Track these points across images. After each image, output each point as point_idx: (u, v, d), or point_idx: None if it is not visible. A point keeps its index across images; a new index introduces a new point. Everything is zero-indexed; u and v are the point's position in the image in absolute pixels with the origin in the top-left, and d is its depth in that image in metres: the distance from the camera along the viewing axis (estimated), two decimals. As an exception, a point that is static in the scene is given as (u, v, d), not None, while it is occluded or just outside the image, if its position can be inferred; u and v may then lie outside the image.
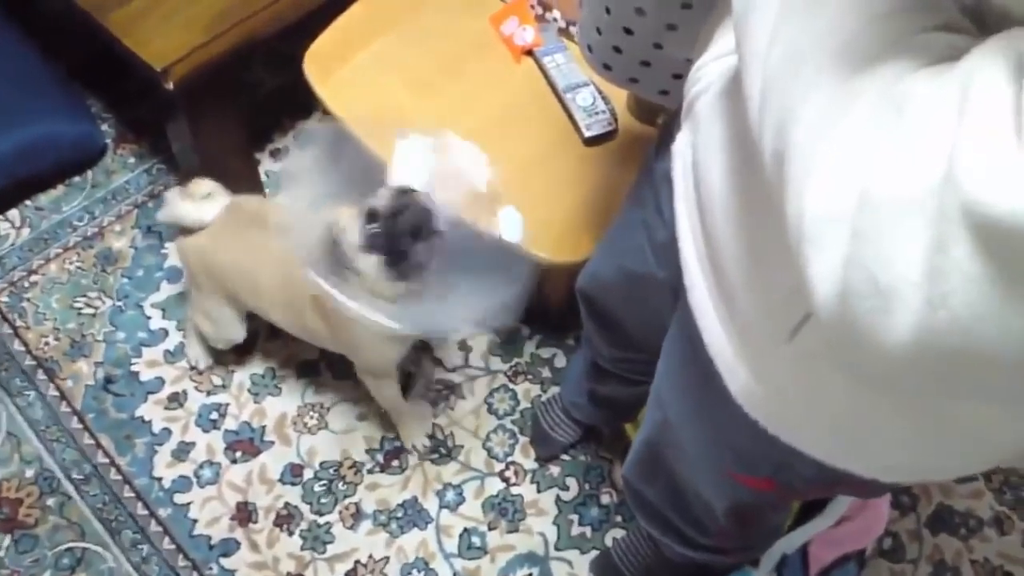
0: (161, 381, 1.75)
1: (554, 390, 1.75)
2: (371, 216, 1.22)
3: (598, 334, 1.31)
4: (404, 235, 1.20)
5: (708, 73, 0.79)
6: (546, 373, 1.78)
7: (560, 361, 1.79)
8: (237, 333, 1.65)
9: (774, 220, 0.61)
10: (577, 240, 1.50)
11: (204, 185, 1.58)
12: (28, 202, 1.96)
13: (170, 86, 1.58)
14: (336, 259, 1.24)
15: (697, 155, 0.76)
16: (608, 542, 1.60)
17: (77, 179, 2.00)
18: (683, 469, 0.98)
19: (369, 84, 1.66)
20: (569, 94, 1.61)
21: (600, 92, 1.62)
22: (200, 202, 1.55)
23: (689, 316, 0.77)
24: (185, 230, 1.57)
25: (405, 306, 1.27)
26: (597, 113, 1.59)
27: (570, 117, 1.60)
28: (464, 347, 1.80)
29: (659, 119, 1.59)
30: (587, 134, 1.57)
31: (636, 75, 1.03)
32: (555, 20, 1.70)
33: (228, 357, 1.77)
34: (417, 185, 1.28)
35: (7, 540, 1.60)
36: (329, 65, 1.66)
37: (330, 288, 1.21)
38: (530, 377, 1.77)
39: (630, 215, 1.07)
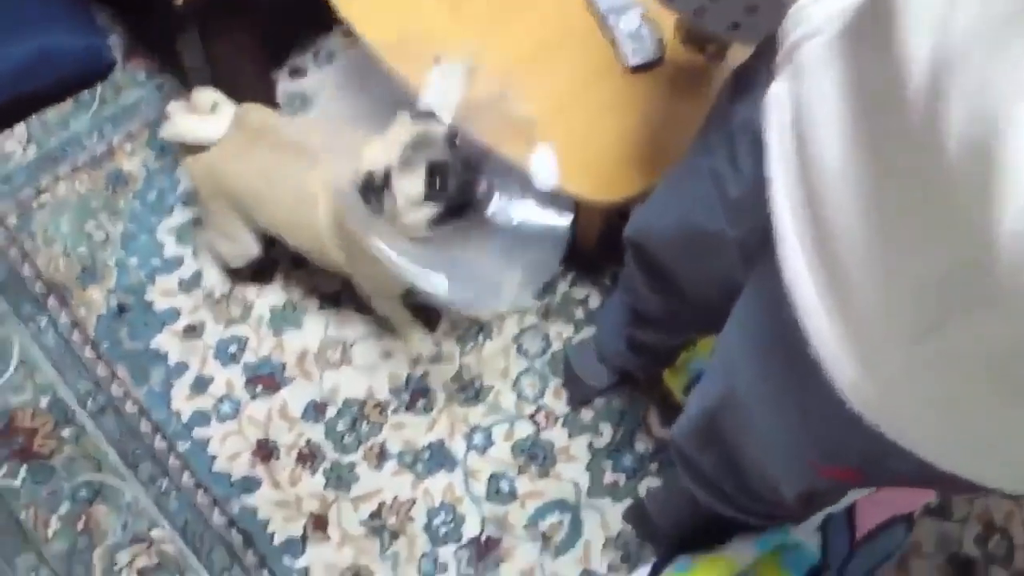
0: (177, 312, 1.68)
1: (587, 332, 1.68)
2: (436, 170, 1.20)
3: (646, 285, 1.22)
4: (469, 187, 1.21)
5: (815, 14, 0.69)
6: (579, 314, 1.70)
7: (594, 302, 1.71)
8: (253, 248, 1.57)
9: (925, 200, 0.52)
10: (619, 177, 1.41)
11: (208, 95, 1.47)
12: (34, 117, 1.85)
13: (179, 1, 1.46)
14: (374, 204, 1.20)
15: (802, 110, 0.67)
16: (642, 491, 1.55)
17: (85, 95, 1.89)
18: (749, 447, 0.91)
19: (396, 3, 1.54)
20: (612, 17, 1.49)
21: (646, 16, 1.50)
22: (205, 115, 1.46)
23: (776, 290, 0.69)
24: (192, 147, 1.47)
25: (447, 262, 1.24)
26: (642, 39, 1.48)
27: (612, 43, 1.49)
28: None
29: (710, 47, 1.47)
30: (631, 62, 1.46)
31: (704, 3, 0.93)
32: (601, -66, 1.56)
33: (246, 288, 1.70)
34: (448, 113, 1.25)
35: (23, 470, 1.56)
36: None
37: (380, 244, 1.20)
38: (562, 318, 1.70)
39: (696, 162, 0.98)
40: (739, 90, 0.88)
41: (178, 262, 1.72)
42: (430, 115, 1.26)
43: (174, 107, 1.49)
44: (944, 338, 0.53)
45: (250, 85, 1.75)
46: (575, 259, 1.74)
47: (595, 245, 1.73)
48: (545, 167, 1.28)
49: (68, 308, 1.67)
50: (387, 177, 1.20)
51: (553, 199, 1.31)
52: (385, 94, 1.32)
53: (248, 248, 1.57)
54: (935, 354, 0.55)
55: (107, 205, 1.77)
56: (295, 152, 1.38)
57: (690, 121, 1.47)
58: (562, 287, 1.73)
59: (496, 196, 1.25)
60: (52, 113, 1.86)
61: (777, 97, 0.72)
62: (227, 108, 1.47)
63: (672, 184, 1.08)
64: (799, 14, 0.71)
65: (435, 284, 1.23)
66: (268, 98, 1.83)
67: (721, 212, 0.91)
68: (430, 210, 1.21)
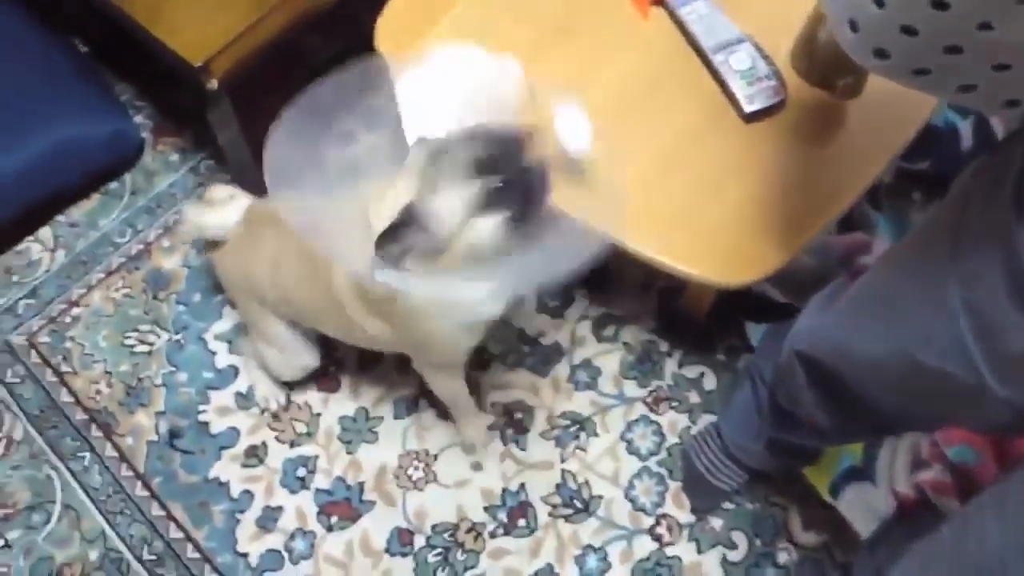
0: (236, 432, 1.47)
1: (706, 419, 1.43)
2: (485, 167, 0.92)
3: (821, 406, 0.99)
4: (534, 177, 0.93)
5: None
6: (694, 398, 1.46)
7: (710, 381, 1.47)
8: (309, 358, 1.40)
9: None
10: (746, 253, 1.16)
11: (221, 190, 1.39)
12: (60, 217, 1.66)
13: (213, 85, 1.25)
14: (422, 244, 0.93)
15: None
16: (794, 617, 1.31)
17: (114, 185, 1.70)
18: None
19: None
20: (719, 55, 1.24)
21: (760, 50, 1.25)
22: (221, 208, 1.35)
23: None
24: (213, 243, 1.37)
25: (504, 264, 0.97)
26: (759, 79, 1.22)
27: (722, 86, 1.24)
28: (590, 368, 1.49)
29: (841, 82, 1.21)
30: (748, 108, 1.21)
31: (930, 65, 0.67)
32: (690, -44, 1.31)
33: (311, 397, 1.48)
34: (442, 120, 1.00)
35: (78, 633, 1.37)
36: (406, 37, 1.32)
37: (413, 281, 0.95)
38: (675, 404, 1.46)
39: (936, 285, 0.75)
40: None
41: (233, 373, 1.51)
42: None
43: (188, 208, 1.41)
44: None
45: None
46: (682, 332, 1.50)
47: (706, 315, 1.49)
48: (574, 127, 1.02)
49: (113, 438, 1.47)
50: (413, 214, 0.93)
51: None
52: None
53: (303, 357, 1.39)
54: None
55: (148, 312, 1.57)
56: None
57: (825, 174, 1.24)
58: (670, 366, 1.48)
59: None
60: (78, 211, 1.67)
61: None
62: (242, 200, 1.36)
63: (885, 301, 0.85)
64: None
65: (485, 291, 1.02)
66: (314, 171, 1.62)
67: (985, 364, 0.70)
68: (495, 218, 0.93)
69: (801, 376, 1.01)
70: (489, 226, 0.93)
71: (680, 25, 1.28)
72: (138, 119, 1.76)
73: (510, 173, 0.92)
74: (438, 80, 1.06)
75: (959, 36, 0.62)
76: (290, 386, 1.48)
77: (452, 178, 0.93)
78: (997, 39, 0.60)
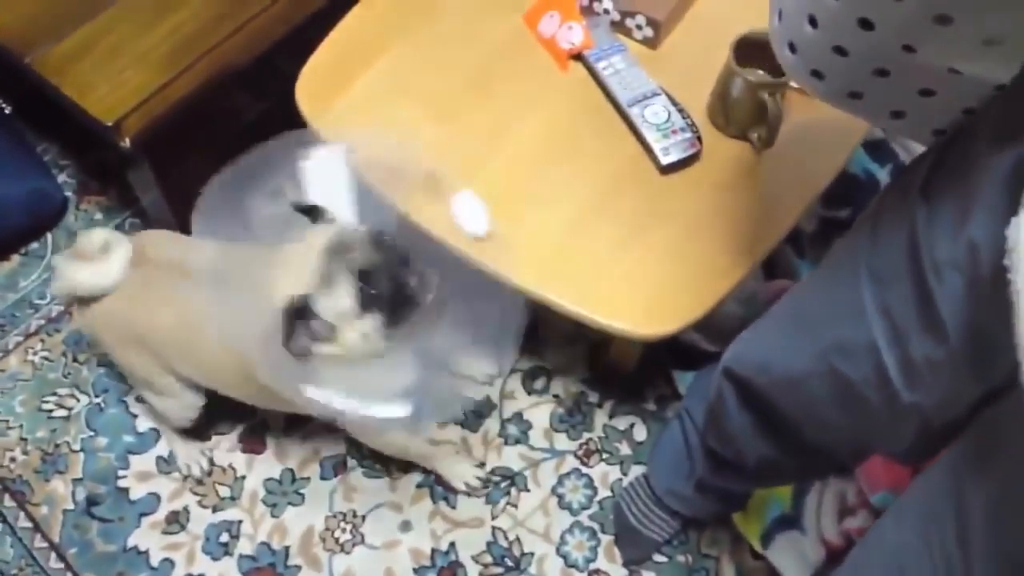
0: (156, 498, 1.43)
1: (637, 471, 1.42)
2: (366, 275, 1.01)
3: (751, 428, 1.00)
4: (406, 282, 1.02)
5: None
6: (625, 449, 1.45)
7: (640, 432, 1.46)
8: (197, 398, 1.33)
9: None
10: (667, 305, 1.16)
11: (96, 236, 1.24)
12: (-24, 279, 1.62)
13: (125, 143, 1.23)
14: (304, 340, 0.99)
15: None
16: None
17: (35, 245, 1.66)
18: None
19: (379, 112, 1.31)
20: (635, 108, 1.26)
21: (675, 102, 1.26)
22: (97, 259, 1.22)
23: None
24: (86, 299, 1.25)
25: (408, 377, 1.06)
26: (675, 131, 1.24)
27: (639, 138, 1.25)
28: (520, 422, 1.47)
29: (756, 131, 1.23)
30: (664, 160, 1.22)
31: (861, 88, 0.70)
32: (606, 12, 1.34)
33: (235, 459, 1.45)
34: (342, 201, 1.08)
35: None
36: (327, 91, 1.32)
37: (323, 397, 1.02)
38: (606, 456, 1.44)
39: (847, 292, 0.76)
40: (932, 216, 0.66)
41: (155, 436, 1.47)
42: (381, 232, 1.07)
43: (59, 260, 1.27)
44: None
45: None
46: (612, 384, 1.49)
47: (635, 365, 1.48)
48: (471, 212, 1.11)
49: (27, 508, 1.42)
50: (306, 306, 0.98)
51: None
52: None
53: (190, 398, 1.33)
54: None
55: (68, 375, 1.53)
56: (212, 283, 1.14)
57: (743, 224, 1.25)
58: (601, 418, 1.47)
59: (436, 281, 1.04)
60: (-3, 272, 1.63)
61: None
62: (121, 247, 1.23)
63: (803, 313, 0.88)
64: None
65: (398, 410, 1.04)
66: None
67: (898, 371, 0.71)
68: (371, 321, 1.01)
69: (731, 398, 1.02)
70: (366, 327, 1.01)
71: (597, 78, 1.30)
72: (62, 178, 1.73)
73: (385, 287, 1.00)
74: (341, 162, 1.10)
75: (885, 58, 0.64)
76: (211, 449, 1.45)
77: (342, 279, 0.99)
78: (920, 62, 0.63)
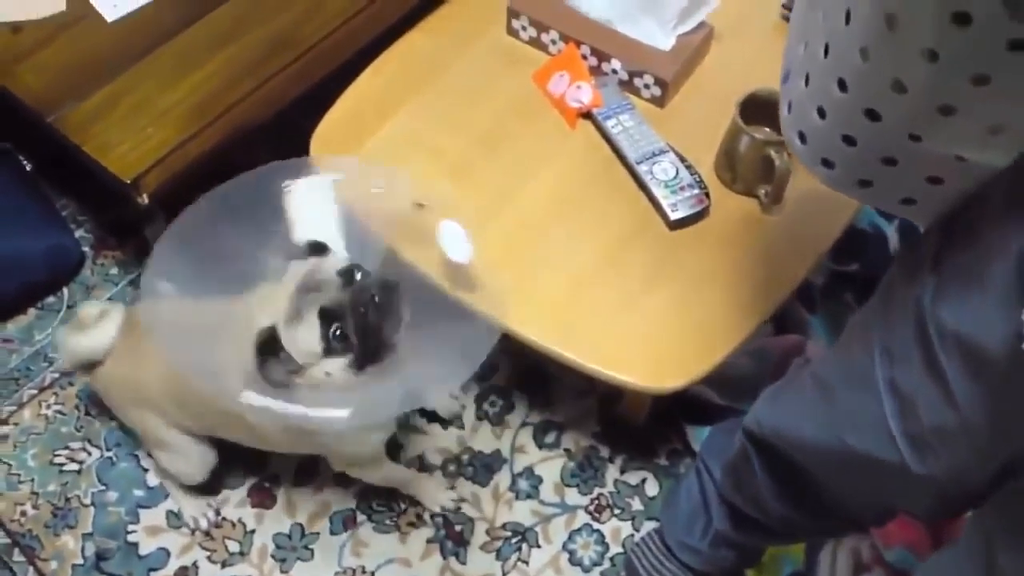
0: (166, 553, 1.42)
1: (648, 526, 1.41)
2: (329, 316, 1.01)
3: (773, 492, 1.00)
4: (374, 326, 1.02)
5: None
6: (637, 504, 1.44)
7: (652, 487, 1.45)
8: (210, 454, 1.37)
9: None
10: (675, 359, 1.17)
11: (92, 308, 1.33)
12: (-8, 333, 1.64)
13: (144, 200, 1.26)
14: (275, 374, 1.01)
15: None
16: None
17: (51, 299, 1.68)
18: None
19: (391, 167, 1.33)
20: (644, 165, 1.28)
21: (683, 159, 1.29)
22: (95, 329, 1.31)
23: None
24: (91, 364, 1.33)
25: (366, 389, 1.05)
26: (683, 188, 1.26)
27: (647, 194, 1.27)
28: (531, 476, 1.46)
29: (762, 190, 1.25)
30: (673, 216, 1.24)
31: (871, 176, 0.71)
32: (615, 72, 1.37)
33: (244, 513, 1.44)
34: (330, 232, 1.10)
35: None
36: (341, 148, 1.35)
37: (278, 406, 1.01)
38: (617, 511, 1.43)
39: (859, 366, 0.77)
40: (941, 287, 0.67)
41: (165, 491, 1.47)
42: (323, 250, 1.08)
43: (60, 333, 1.37)
44: None
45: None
46: (622, 438, 1.49)
47: (646, 420, 1.48)
48: (455, 241, 1.10)
49: (37, 563, 1.41)
50: (273, 338, 1.00)
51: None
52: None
53: (202, 455, 1.36)
54: None
55: (80, 429, 1.53)
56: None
57: (751, 279, 1.26)
58: (612, 473, 1.47)
59: (406, 319, 1.04)
60: (13, 326, 1.64)
61: None
62: (115, 313, 1.32)
63: (821, 387, 0.87)
64: None
65: (336, 418, 1.06)
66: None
67: (905, 443, 0.72)
68: (336, 363, 1.02)
69: (754, 460, 1.02)
70: (331, 367, 1.02)
71: (606, 137, 1.32)
72: (80, 233, 1.75)
73: (352, 327, 1.00)
74: (327, 189, 1.13)
75: (893, 147, 0.66)
76: (220, 503, 1.45)
77: (309, 319, 1.00)
78: (927, 151, 0.64)
